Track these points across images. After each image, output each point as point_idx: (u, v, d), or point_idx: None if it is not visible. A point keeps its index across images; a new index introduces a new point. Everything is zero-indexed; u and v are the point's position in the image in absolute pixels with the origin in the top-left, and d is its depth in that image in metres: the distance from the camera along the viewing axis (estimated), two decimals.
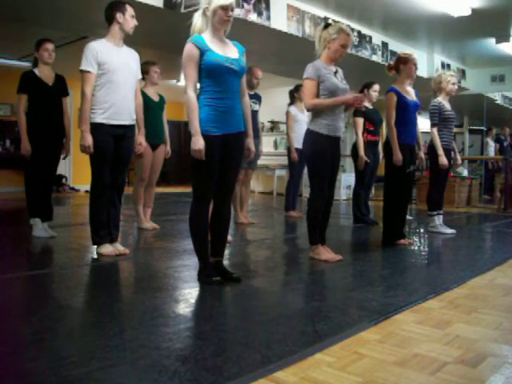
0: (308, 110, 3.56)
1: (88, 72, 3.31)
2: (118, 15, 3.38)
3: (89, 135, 3.30)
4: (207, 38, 2.67)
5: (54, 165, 4.22)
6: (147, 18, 4.81)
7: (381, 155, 5.45)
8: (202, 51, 2.62)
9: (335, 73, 3.41)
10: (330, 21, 5.88)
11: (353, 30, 6.51)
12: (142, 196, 4.80)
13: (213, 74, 2.63)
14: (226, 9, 2.63)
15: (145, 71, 4.49)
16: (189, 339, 1.94)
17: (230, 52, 2.71)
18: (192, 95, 2.64)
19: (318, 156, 3.37)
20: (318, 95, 3.35)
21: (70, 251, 3.86)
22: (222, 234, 2.89)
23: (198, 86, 2.71)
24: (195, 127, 2.61)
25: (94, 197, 3.44)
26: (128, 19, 3.41)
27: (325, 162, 3.39)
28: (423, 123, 5.61)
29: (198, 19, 2.73)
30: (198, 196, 2.76)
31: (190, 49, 2.63)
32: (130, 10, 3.42)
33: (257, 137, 5.22)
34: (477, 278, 3.09)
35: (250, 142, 2.89)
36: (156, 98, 4.77)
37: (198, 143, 2.59)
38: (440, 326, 2.18)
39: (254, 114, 5.11)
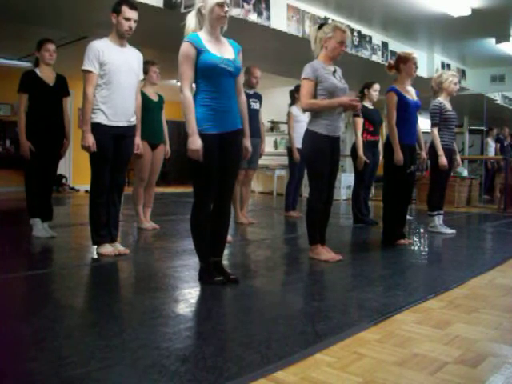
0: (304, 111, 3.56)
1: (90, 72, 3.30)
2: (113, 16, 3.33)
3: (90, 135, 3.30)
4: (204, 38, 2.67)
5: (54, 165, 4.22)
6: (147, 18, 4.81)
7: (380, 155, 5.45)
8: (199, 51, 2.62)
9: (333, 72, 3.40)
10: (330, 21, 5.90)
11: (353, 30, 6.52)
12: (142, 196, 4.80)
13: (208, 75, 2.63)
14: (221, 5, 2.64)
15: (144, 71, 4.48)
16: (189, 339, 1.94)
17: (225, 52, 2.71)
18: (188, 95, 2.63)
19: (317, 156, 3.37)
20: (315, 96, 3.35)
21: (70, 251, 3.86)
22: (221, 234, 2.88)
23: (194, 85, 2.72)
24: (192, 127, 2.60)
25: (94, 197, 3.44)
26: (121, 22, 3.30)
27: (324, 162, 3.38)
28: (423, 123, 5.61)
29: (191, 20, 2.72)
30: (199, 196, 2.75)
31: (186, 48, 2.62)
32: (125, 12, 3.29)
33: (258, 136, 5.23)
34: (477, 278, 3.09)
35: (247, 141, 2.88)
36: (155, 98, 4.77)
37: (196, 143, 2.58)
38: (440, 326, 2.18)
39: (255, 112, 5.11)
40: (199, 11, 2.70)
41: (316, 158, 3.38)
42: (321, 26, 3.42)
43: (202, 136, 2.61)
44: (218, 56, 2.65)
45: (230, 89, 2.71)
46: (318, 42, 3.40)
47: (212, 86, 2.65)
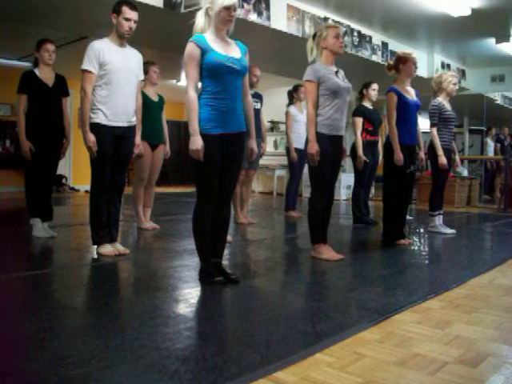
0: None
1: (89, 72, 3.31)
2: (113, 16, 3.34)
3: (90, 134, 3.30)
4: (209, 38, 2.67)
5: (53, 165, 4.21)
6: (147, 18, 4.82)
7: (380, 155, 5.45)
8: (204, 51, 2.62)
9: (336, 72, 3.42)
10: (330, 20, 5.90)
11: (353, 30, 6.52)
12: (142, 196, 4.80)
13: (214, 74, 2.63)
14: (229, 9, 2.63)
15: (144, 71, 4.47)
16: (189, 339, 1.94)
17: (232, 51, 2.71)
18: (192, 95, 2.63)
19: (320, 156, 3.37)
20: (318, 96, 3.37)
21: (70, 251, 3.86)
22: (221, 234, 2.88)
23: (200, 85, 2.71)
24: (194, 127, 2.60)
25: (94, 197, 3.44)
26: (121, 22, 3.31)
27: (326, 162, 3.39)
28: (423, 123, 5.61)
29: (200, 19, 2.72)
30: (201, 196, 2.75)
31: (191, 48, 2.63)
32: (125, 13, 3.30)
33: (260, 136, 5.23)
34: (477, 278, 3.09)
35: (253, 142, 2.89)
36: (155, 98, 4.77)
37: (196, 143, 2.58)
38: (440, 326, 2.18)
39: (256, 112, 5.10)
40: (207, 12, 2.70)
41: (319, 157, 3.38)
42: (314, 35, 3.48)
43: (204, 136, 2.61)
44: (223, 54, 2.64)
45: (235, 89, 2.69)
46: (316, 47, 3.44)
47: (217, 85, 2.64)
